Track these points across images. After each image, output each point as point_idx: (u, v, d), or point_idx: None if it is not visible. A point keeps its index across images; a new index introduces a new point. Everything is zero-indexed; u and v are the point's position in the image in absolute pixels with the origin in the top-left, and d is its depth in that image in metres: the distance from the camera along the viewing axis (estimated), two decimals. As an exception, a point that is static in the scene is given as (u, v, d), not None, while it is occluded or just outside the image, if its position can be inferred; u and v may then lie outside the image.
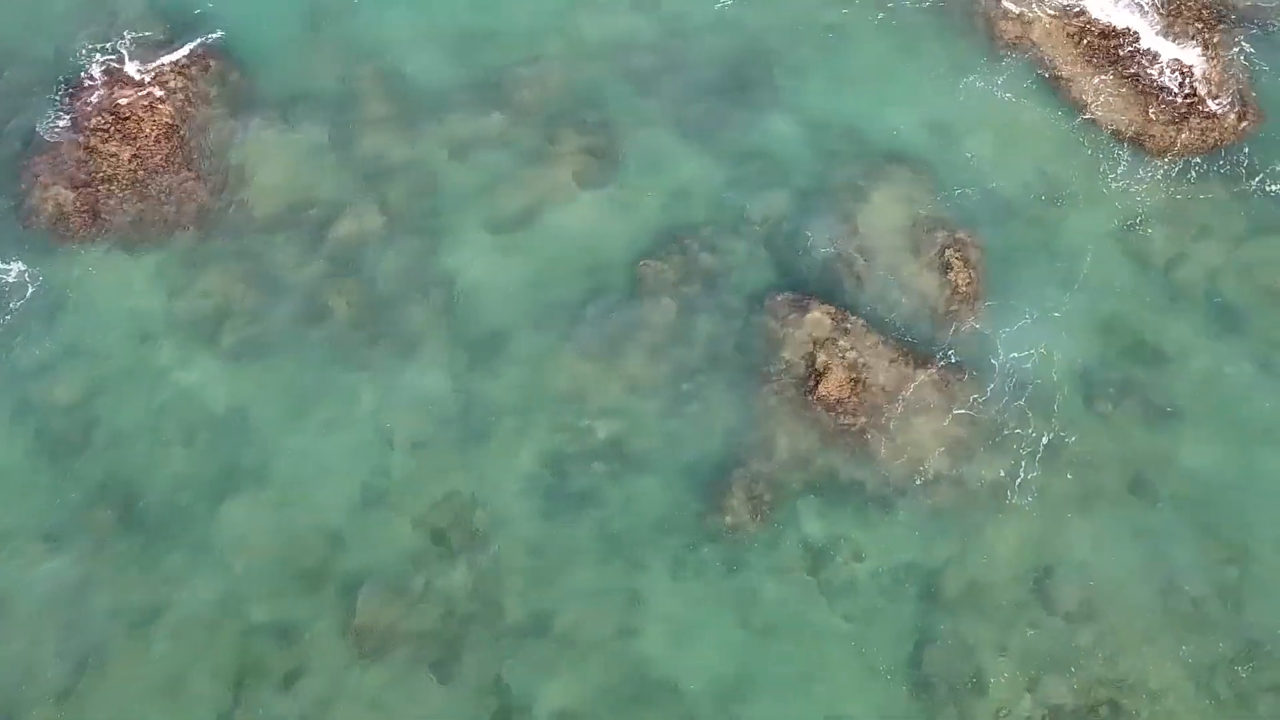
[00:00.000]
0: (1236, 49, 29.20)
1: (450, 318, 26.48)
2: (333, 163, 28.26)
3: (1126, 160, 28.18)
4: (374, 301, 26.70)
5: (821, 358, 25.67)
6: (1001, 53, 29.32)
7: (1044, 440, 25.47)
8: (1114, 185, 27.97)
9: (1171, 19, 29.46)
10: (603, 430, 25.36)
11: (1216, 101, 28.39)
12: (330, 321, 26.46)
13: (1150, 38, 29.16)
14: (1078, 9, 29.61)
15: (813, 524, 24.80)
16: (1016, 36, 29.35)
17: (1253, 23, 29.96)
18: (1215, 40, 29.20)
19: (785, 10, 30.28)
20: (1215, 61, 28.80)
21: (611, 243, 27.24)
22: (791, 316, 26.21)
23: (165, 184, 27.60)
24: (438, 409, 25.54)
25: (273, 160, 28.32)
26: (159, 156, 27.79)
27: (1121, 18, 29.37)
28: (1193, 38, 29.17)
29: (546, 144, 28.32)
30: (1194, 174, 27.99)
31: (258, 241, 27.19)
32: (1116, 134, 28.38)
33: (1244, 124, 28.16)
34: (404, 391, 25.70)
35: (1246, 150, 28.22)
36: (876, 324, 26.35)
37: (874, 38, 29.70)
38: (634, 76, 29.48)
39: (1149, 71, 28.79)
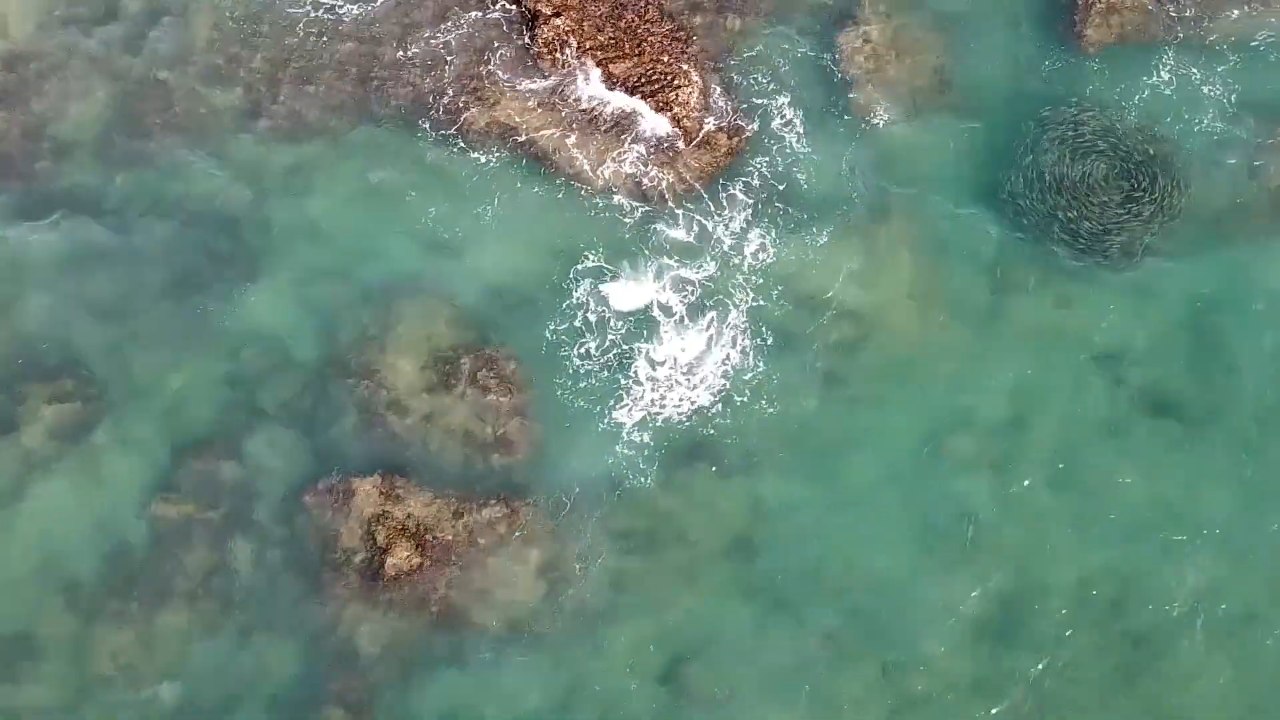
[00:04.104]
0: (710, 67, 30.14)
1: (-48, 635, 25.15)
2: None
3: (648, 215, 28.52)
4: None
5: (380, 535, 25.59)
6: (483, 144, 29.06)
7: (626, 532, 26.04)
8: (631, 240, 28.41)
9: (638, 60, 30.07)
10: (166, 697, 24.47)
11: (703, 129, 28.96)
12: None
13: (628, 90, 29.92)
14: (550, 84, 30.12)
15: (425, 713, 24.73)
16: (491, 123, 29.26)
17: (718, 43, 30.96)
18: (688, 67, 29.90)
19: (233, 167, 29.17)
20: (692, 92, 29.17)
21: (116, 491, 26.03)
22: (337, 502, 25.82)
23: None
24: (-36, 742, 24.23)
25: None
26: None
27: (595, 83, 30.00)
28: (667, 72, 29.84)
29: (11, 408, 26.57)
30: (707, 203, 28.90)
31: None
32: (620, 190, 28.61)
33: (735, 140, 29.05)
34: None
35: (745, 164, 29.08)
36: (429, 479, 26.18)
37: (341, 167, 29.00)
38: (91, 297, 27.80)
39: (633, 121, 29.16)
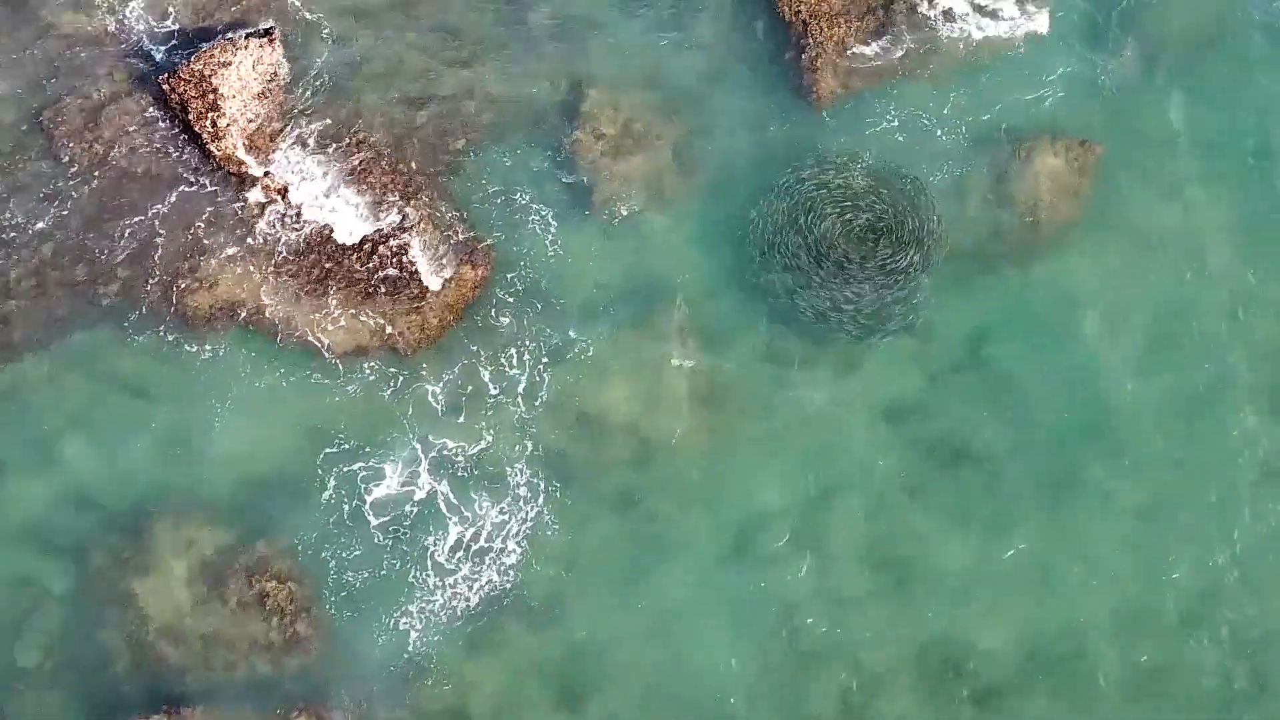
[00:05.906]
0: (439, 200, 29.25)
1: None
2: None
3: (402, 375, 27.55)
4: None
5: (173, 775, 24.17)
6: (209, 328, 27.74)
7: (443, 714, 25.07)
8: (388, 402, 27.34)
9: (362, 206, 29.10)
10: None
11: (443, 263, 28.37)
12: None
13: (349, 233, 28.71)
14: (266, 237, 28.82)
15: None
16: (214, 303, 27.96)
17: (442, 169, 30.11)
18: (413, 207, 28.93)
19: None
20: (424, 227, 28.62)
21: None
22: (117, 754, 24.39)
23: None
24: None
25: None
26: None
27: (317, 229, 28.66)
28: (393, 215, 28.91)
29: None
30: (453, 348, 27.85)
31: None
32: (367, 353, 27.67)
33: (479, 271, 28.28)
34: None
35: (495, 291, 28.38)
36: (220, 701, 24.85)
37: (60, 383, 27.27)
38: None
39: (367, 273, 28.23)
